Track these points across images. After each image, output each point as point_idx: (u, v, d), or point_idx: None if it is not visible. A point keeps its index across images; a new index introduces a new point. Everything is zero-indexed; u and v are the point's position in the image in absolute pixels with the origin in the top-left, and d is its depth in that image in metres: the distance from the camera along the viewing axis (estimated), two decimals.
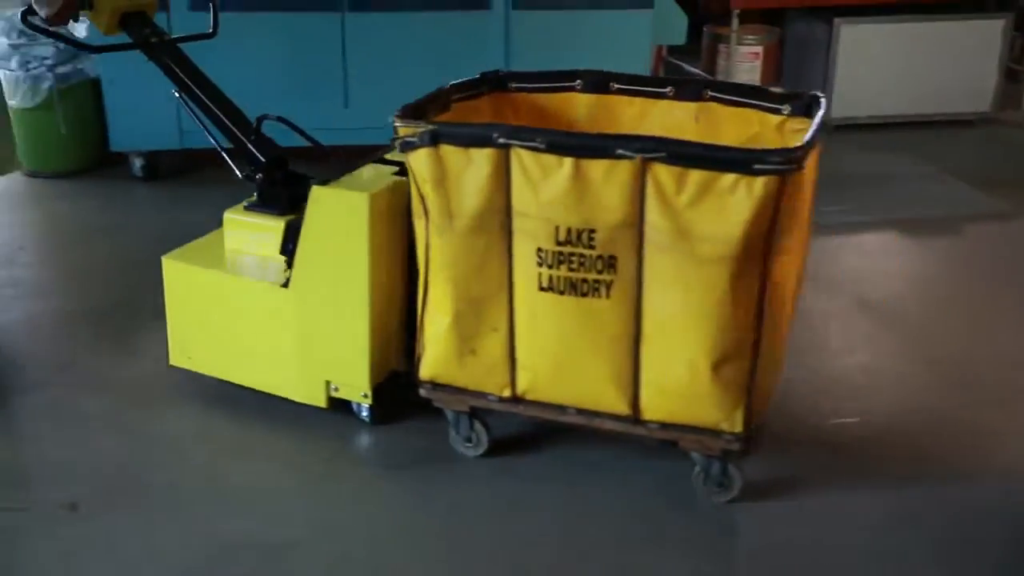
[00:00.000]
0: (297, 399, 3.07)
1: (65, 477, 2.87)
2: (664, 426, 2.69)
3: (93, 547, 2.60)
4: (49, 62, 5.20)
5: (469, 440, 2.98)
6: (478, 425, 2.95)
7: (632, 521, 2.73)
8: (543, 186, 2.56)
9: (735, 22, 5.80)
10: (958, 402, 3.27)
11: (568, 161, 2.51)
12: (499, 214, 2.63)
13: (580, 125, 3.11)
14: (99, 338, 3.60)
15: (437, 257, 2.74)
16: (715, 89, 2.98)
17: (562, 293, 2.63)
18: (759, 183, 2.37)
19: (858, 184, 5.31)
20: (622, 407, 2.69)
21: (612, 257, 2.55)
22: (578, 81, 3.15)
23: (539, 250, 2.61)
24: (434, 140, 2.63)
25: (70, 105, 5.23)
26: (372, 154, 3.09)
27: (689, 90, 3.02)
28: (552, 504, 2.80)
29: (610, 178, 2.49)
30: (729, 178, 2.39)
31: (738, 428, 2.61)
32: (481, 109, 3.11)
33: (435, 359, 2.84)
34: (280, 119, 3.16)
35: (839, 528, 2.70)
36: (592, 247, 2.56)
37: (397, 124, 2.68)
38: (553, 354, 2.71)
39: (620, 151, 2.45)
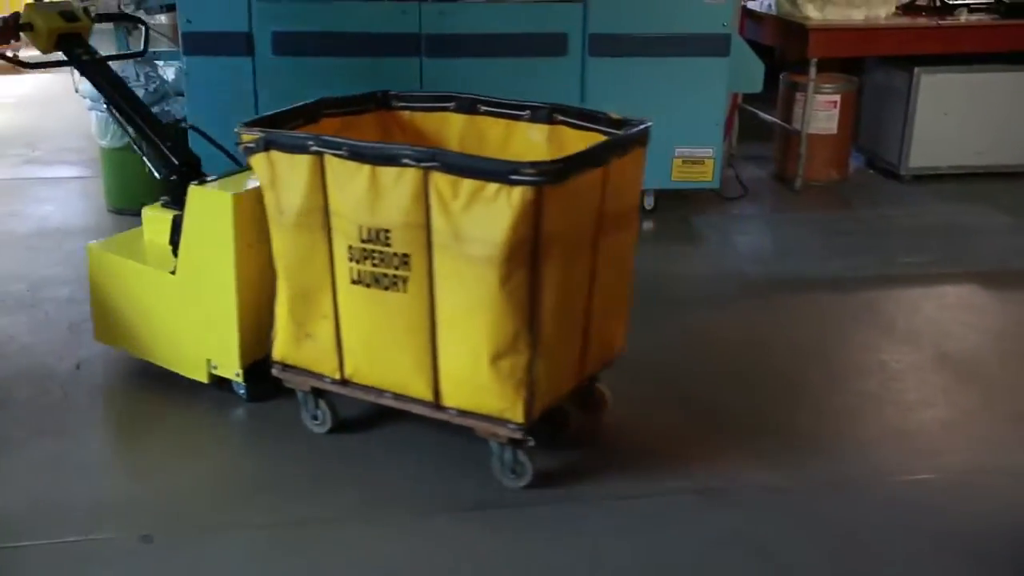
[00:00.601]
0: (186, 375, 3.55)
1: None
2: (461, 413, 3.03)
3: None
4: None
5: (315, 418, 3.36)
6: (323, 404, 3.34)
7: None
8: (348, 189, 2.95)
9: (812, 70, 5.74)
10: None
11: (366, 168, 2.90)
12: (319, 213, 3.04)
13: (453, 143, 3.51)
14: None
15: (275, 249, 3.19)
16: (562, 113, 3.35)
17: (369, 286, 3.03)
18: (517, 192, 2.70)
19: (938, 235, 5.29)
20: (426, 394, 3.06)
21: (406, 255, 2.93)
22: (452, 103, 3.54)
23: (349, 247, 3.01)
24: (266, 146, 3.06)
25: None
26: None
27: (542, 114, 3.39)
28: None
29: (399, 184, 2.86)
30: (492, 187, 2.73)
31: (520, 418, 2.93)
32: (367, 125, 3.53)
33: (281, 342, 3.27)
34: (191, 127, 3.75)
35: None
36: (388, 245, 2.94)
37: (240, 131, 3.11)
38: (367, 342, 3.11)
39: (405, 160, 2.84)
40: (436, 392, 3.03)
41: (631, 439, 3.34)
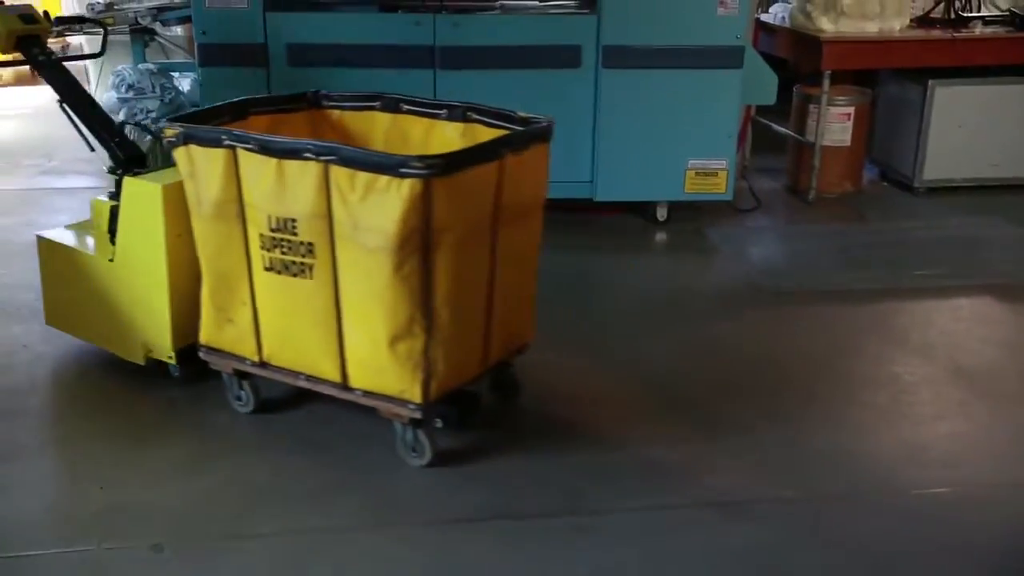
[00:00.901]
0: (125, 357, 3.79)
1: None
2: (366, 394, 3.25)
3: None
4: (154, 114, 5.39)
5: (239, 399, 3.59)
6: (247, 385, 3.56)
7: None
8: (258, 181, 3.18)
9: (826, 83, 5.73)
10: None
11: (273, 161, 3.12)
12: (234, 204, 3.27)
13: (378, 140, 3.72)
14: None
15: (196, 238, 3.42)
16: (476, 112, 3.56)
17: (280, 273, 3.25)
18: (406, 184, 2.91)
19: (952, 247, 5.29)
20: (335, 375, 3.27)
21: (311, 244, 3.15)
22: (378, 102, 3.76)
23: (261, 235, 3.24)
24: (185, 140, 3.29)
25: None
26: None
27: (457, 113, 3.60)
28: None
29: (302, 176, 3.07)
30: (384, 179, 2.94)
31: (417, 399, 3.15)
32: (297, 123, 3.76)
33: (205, 326, 3.51)
34: (136, 124, 4.08)
35: None
36: (295, 234, 3.16)
37: (164, 126, 3.35)
38: (281, 326, 3.34)
39: (306, 154, 3.05)
40: (344, 374, 3.25)
41: (642, 451, 3.39)
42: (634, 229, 5.62)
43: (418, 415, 3.16)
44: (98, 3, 5.54)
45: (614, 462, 3.31)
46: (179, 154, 3.31)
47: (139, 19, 5.59)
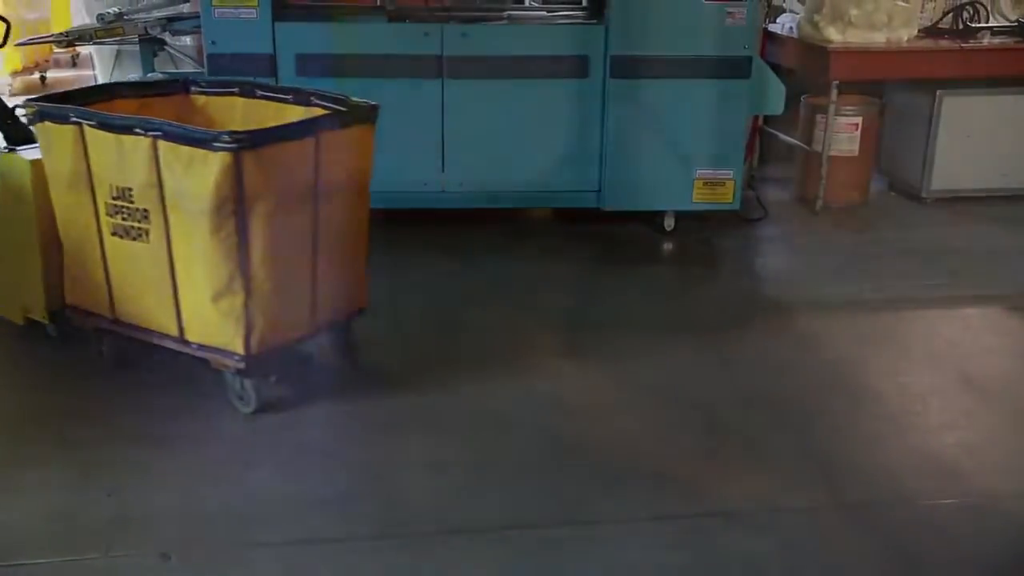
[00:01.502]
0: (8, 317, 4.27)
1: None
2: (201, 347, 3.71)
3: None
4: None
5: (101, 354, 4.04)
6: (107, 341, 4.00)
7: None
8: (101, 154, 3.65)
9: (834, 93, 5.75)
10: None
11: (111, 136, 3.59)
12: (84, 175, 3.72)
13: (237, 122, 4.11)
14: None
15: (55, 207, 3.87)
16: (318, 98, 3.97)
17: (122, 237, 3.70)
18: (218, 157, 3.36)
19: (960, 258, 5.36)
20: (174, 331, 3.73)
21: (146, 210, 3.61)
22: (236, 88, 4.22)
23: (106, 203, 3.70)
24: (41, 118, 3.77)
25: None
26: None
27: (302, 97, 4.01)
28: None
29: (136, 150, 3.54)
30: (201, 152, 3.40)
31: (240, 350, 3.60)
32: (165, 106, 4.18)
33: (68, 288, 3.99)
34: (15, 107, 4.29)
35: None
36: (132, 202, 3.62)
37: (24, 104, 3.80)
38: (127, 286, 3.80)
39: (137, 130, 3.52)
40: (181, 329, 3.70)
41: (651, 461, 3.41)
42: (642, 239, 5.62)
43: (242, 365, 3.62)
44: (108, 13, 5.57)
45: (622, 470, 3.36)
46: (38, 130, 3.79)
47: (148, 29, 5.67)
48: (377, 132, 5.38)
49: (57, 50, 8.06)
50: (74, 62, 9.70)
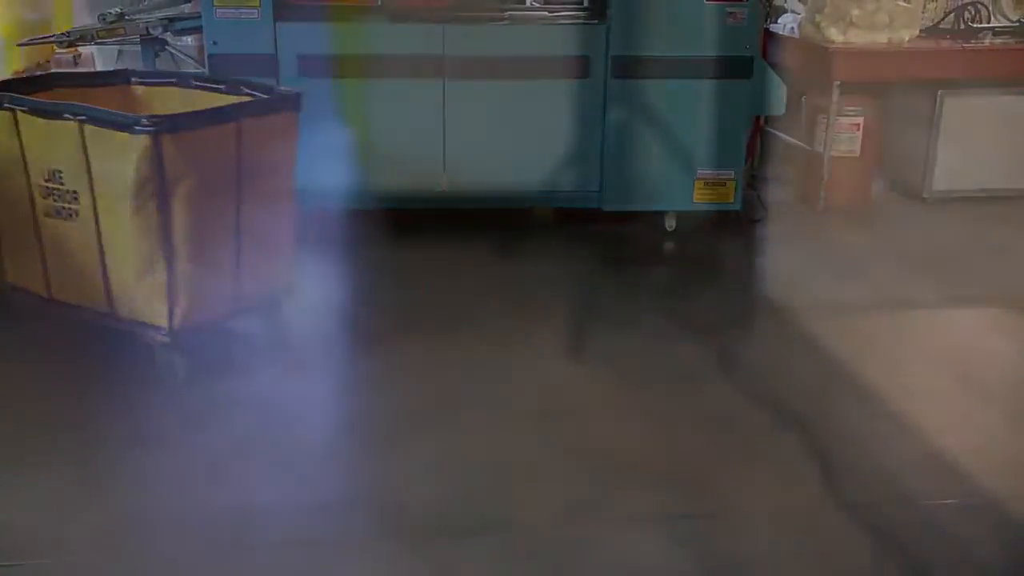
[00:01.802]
0: None
1: None
2: (130, 322, 3.92)
3: None
4: None
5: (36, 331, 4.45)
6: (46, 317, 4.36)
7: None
8: (33, 138, 3.87)
9: (835, 93, 5.74)
10: None
11: (41, 121, 3.82)
12: (19, 160, 3.94)
13: (156, 108, 4.35)
14: None
15: None
16: (248, 87, 4.14)
17: (54, 218, 3.92)
18: (139, 140, 3.58)
19: (962, 258, 5.30)
20: (107, 307, 3.95)
21: (75, 191, 3.81)
22: (174, 78, 4.50)
23: (39, 185, 3.92)
24: None
25: None
26: None
27: (232, 87, 4.19)
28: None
29: (65, 134, 3.74)
30: (123, 135, 3.61)
31: (164, 325, 3.83)
32: (106, 96, 4.35)
33: (9, 268, 4.22)
34: None
35: None
36: (62, 184, 3.84)
37: None
38: (61, 265, 4.02)
39: (66, 115, 3.73)
40: (111, 305, 3.91)
41: (654, 461, 3.42)
42: (643, 239, 5.63)
43: (167, 339, 3.84)
44: (109, 13, 5.58)
45: (622, 470, 3.35)
46: None
47: (150, 29, 5.67)
48: (378, 132, 5.40)
49: (59, 50, 8.06)
50: (75, 62, 9.70)
